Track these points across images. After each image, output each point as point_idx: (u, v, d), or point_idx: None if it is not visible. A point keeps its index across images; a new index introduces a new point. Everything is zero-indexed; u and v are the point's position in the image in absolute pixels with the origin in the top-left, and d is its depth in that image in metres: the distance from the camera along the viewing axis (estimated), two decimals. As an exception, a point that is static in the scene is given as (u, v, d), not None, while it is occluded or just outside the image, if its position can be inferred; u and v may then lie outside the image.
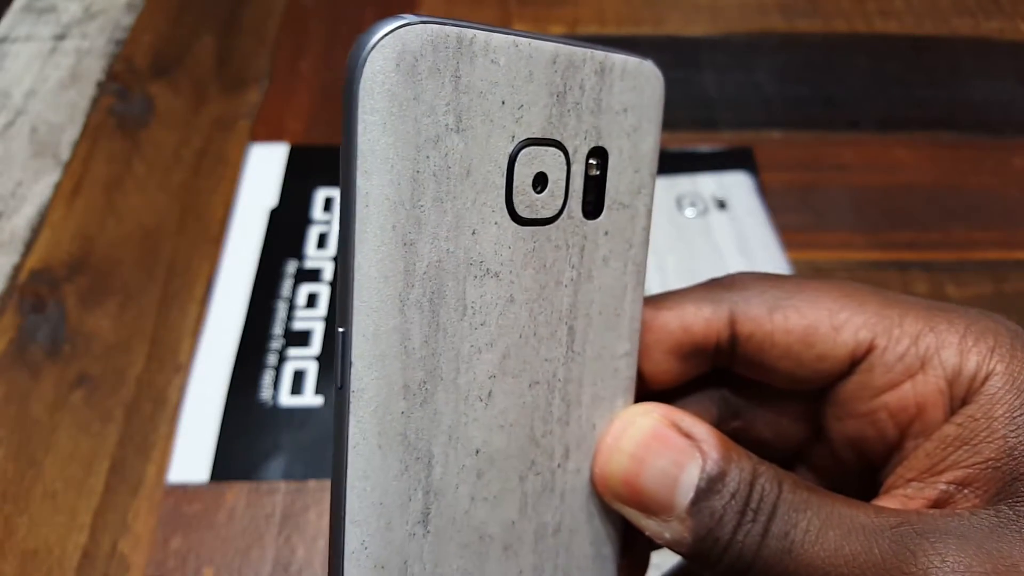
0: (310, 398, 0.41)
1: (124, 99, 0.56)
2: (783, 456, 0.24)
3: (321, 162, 0.52)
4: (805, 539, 0.17)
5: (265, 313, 0.44)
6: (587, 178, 0.18)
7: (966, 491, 0.18)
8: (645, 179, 0.19)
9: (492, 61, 0.15)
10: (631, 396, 0.20)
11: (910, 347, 0.19)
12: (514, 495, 0.18)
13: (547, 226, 0.17)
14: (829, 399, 0.21)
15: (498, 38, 0.16)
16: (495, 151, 0.16)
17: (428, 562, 0.17)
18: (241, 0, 0.64)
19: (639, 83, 0.18)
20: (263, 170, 0.51)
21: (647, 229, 0.19)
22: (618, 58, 0.18)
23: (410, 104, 0.15)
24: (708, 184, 0.50)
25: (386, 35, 0.14)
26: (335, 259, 0.46)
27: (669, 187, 0.49)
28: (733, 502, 0.18)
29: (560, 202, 0.17)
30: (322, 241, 0.47)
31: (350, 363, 0.15)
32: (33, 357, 0.42)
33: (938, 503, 0.18)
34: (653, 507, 0.19)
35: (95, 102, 0.56)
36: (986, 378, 0.18)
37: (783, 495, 0.18)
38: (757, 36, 0.61)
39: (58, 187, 0.50)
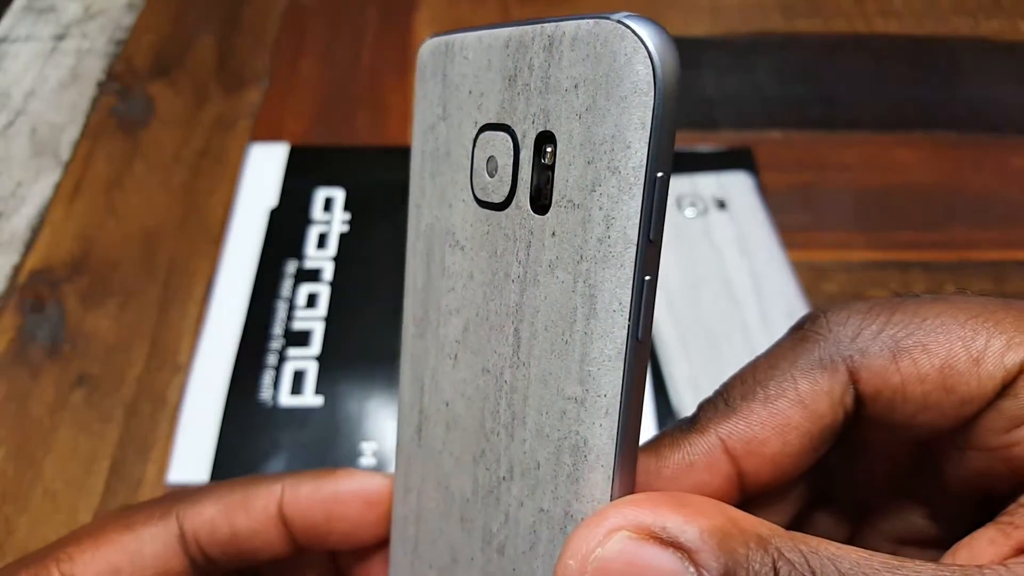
0: (310, 398, 0.41)
1: (124, 99, 0.56)
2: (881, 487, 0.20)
3: (321, 162, 0.52)
4: None
5: (265, 313, 0.44)
6: (536, 166, 0.16)
7: None
8: (601, 174, 0.14)
9: (464, 57, 0.17)
10: (584, 467, 0.16)
11: None
12: (468, 471, 0.18)
13: (499, 212, 0.17)
14: (953, 433, 0.17)
15: (470, 36, 0.17)
16: (464, 136, 0.18)
17: (419, 472, 0.20)
18: (241, 0, 0.64)
19: (593, 50, 0.14)
20: (263, 170, 0.51)
21: (610, 243, 0.14)
22: (570, 25, 0.15)
23: (421, 100, 0.19)
24: (708, 184, 0.50)
25: (418, 52, 0.19)
26: (335, 259, 0.46)
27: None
28: None
29: (507, 189, 0.16)
30: (322, 241, 0.47)
31: None
32: (33, 357, 0.42)
33: None
34: None
35: (95, 102, 0.56)
36: None
37: None
38: (757, 36, 0.61)
39: (58, 187, 0.50)
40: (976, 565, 0.14)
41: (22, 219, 0.48)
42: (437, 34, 0.18)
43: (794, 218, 0.48)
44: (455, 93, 0.18)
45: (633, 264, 0.14)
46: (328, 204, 0.49)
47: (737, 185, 0.50)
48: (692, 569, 0.14)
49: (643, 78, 0.14)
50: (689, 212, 0.48)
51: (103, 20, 0.62)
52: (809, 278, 0.45)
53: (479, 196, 0.17)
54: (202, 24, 0.62)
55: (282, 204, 0.49)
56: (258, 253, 0.47)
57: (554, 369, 0.16)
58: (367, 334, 0.43)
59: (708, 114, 0.55)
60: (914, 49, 0.60)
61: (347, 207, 0.49)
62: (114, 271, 0.46)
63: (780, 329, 0.19)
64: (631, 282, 0.15)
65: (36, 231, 0.48)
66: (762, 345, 0.18)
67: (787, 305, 0.43)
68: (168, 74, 0.58)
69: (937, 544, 0.20)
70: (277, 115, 0.55)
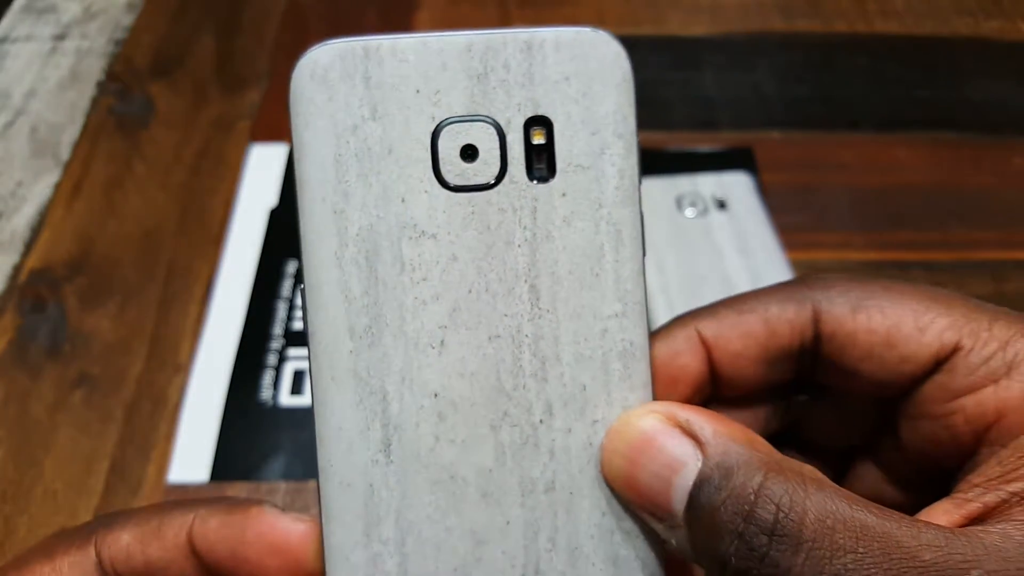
0: (310, 398, 0.41)
1: (124, 99, 0.56)
2: (848, 449, 0.23)
3: (321, 162, 0.52)
4: None
5: (265, 313, 0.44)
6: (530, 145, 0.19)
7: None
8: (608, 140, 0.19)
9: (401, 60, 0.19)
10: (634, 363, 0.19)
11: (997, 351, 0.19)
12: (486, 442, 0.19)
13: (486, 192, 0.19)
14: (903, 398, 0.20)
15: (406, 41, 0.19)
16: (416, 131, 0.19)
17: (396, 490, 0.19)
18: (241, 0, 0.64)
19: (580, 52, 0.19)
20: (263, 170, 0.51)
21: (624, 189, 0.19)
22: (549, 33, 0.19)
23: (325, 104, 0.19)
24: (708, 184, 0.50)
25: (304, 57, 0.19)
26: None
27: (669, 187, 0.49)
28: (729, 509, 0.16)
29: (495, 170, 0.19)
30: (322, 241, 0.47)
31: (306, 311, 0.20)
32: (33, 357, 0.42)
33: (996, 510, 0.17)
34: (654, 511, 0.18)
35: (95, 102, 0.56)
36: None
37: (808, 519, 0.16)
38: (757, 36, 0.61)
39: (58, 187, 0.50)
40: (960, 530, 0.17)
41: (22, 219, 0.48)
42: (328, 41, 0.19)
43: (794, 218, 0.48)
44: (393, 93, 0.19)
45: (638, 201, 0.19)
46: (328, 204, 0.49)
47: (737, 185, 0.50)
48: (701, 458, 0.17)
49: (627, 70, 0.19)
50: (689, 212, 0.48)
51: (103, 20, 0.62)
52: (809, 278, 0.45)
53: (454, 182, 0.19)
54: (202, 24, 0.62)
55: (282, 204, 0.49)
56: (258, 253, 0.47)
57: (586, 301, 0.19)
58: (367, 334, 0.43)
59: (708, 114, 0.55)
60: (914, 49, 0.60)
61: (347, 207, 0.49)
62: (114, 271, 0.46)
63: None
64: (639, 214, 0.20)
65: (36, 231, 0.48)
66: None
67: (787, 305, 0.43)
68: (168, 74, 0.58)
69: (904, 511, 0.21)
70: (277, 115, 0.55)
